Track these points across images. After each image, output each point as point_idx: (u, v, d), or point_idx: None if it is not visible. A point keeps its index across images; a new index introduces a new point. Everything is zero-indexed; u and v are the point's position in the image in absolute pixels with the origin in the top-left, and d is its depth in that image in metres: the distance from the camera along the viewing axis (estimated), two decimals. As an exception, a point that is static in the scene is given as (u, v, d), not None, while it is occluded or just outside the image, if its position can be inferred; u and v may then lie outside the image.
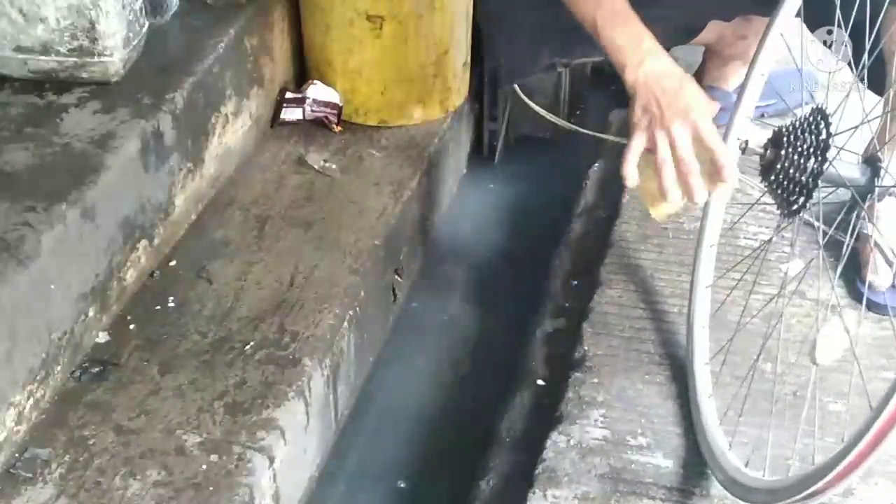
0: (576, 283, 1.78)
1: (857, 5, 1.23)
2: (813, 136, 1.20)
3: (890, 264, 1.60)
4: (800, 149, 1.20)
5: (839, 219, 1.31)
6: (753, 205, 1.61)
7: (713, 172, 1.29)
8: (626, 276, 1.70)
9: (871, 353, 1.52)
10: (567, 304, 1.73)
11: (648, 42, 1.36)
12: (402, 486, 1.68)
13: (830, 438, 1.37)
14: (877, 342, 1.55)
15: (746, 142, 1.28)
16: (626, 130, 2.05)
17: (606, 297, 1.66)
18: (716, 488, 1.33)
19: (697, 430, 1.39)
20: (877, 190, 1.25)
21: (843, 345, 1.27)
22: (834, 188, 1.22)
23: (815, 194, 1.19)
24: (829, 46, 1.43)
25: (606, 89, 2.63)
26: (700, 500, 1.32)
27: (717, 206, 1.54)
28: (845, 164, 1.21)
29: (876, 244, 1.62)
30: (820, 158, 1.18)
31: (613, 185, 1.97)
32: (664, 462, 1.37)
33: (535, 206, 2.27)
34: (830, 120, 1.19)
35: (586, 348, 1.56)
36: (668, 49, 1.38)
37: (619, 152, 2.04)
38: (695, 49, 2.04)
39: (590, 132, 2.11)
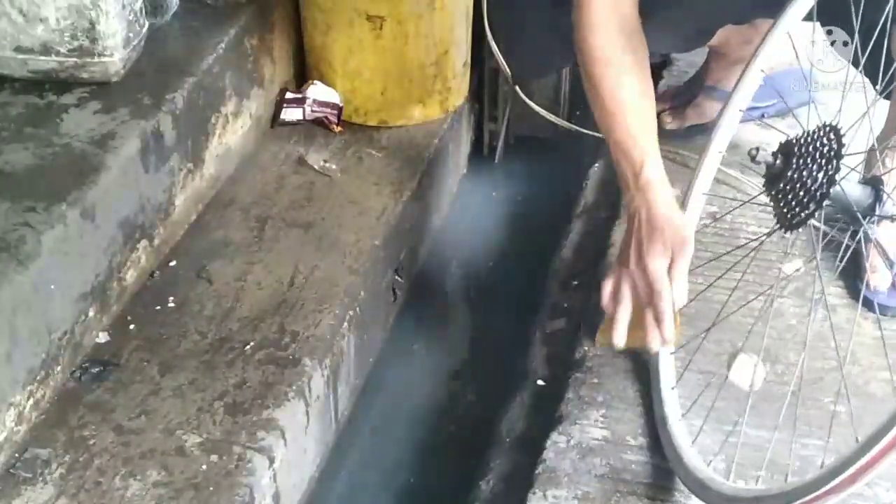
0: (576, 283, 1.78)
1: (862, 5, 1.22)
2: (824, 154, 1.17)
3: (890, 266, 1.60)
4: (809, 164, 1.17)
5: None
6: (745, 203, 1.62)
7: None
8: (626, 276, 1.70)
9: (871, 353, 1.52)
10: (567, 304, 1.73)
11: (648, 172, 1.31)
12: (402, 485, 1.68)
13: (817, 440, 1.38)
14: (877, 342, 1.54)
15: (758, 149, 1.25)
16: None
17: (606, 297, 1.66)
18: (716, 488, 1.32)
19: (658, 424, 1.39)
20: (877, 216, 1.22)
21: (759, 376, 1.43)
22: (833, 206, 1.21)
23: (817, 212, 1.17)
24: (831, 46, 1.43)
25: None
26: (700, 501, 1.32)
27: (712, 158, 1.53)
28: (851, 185, 1.19)
29: (877, 244, 1.62)
30: (829, 177, 1.16)
31: (613, 186, 1.97)
32: (664, 462, 1.37)
33: (535, 206, 2.27)
34: (844, 141, 1.16)
35: (586, 348, 1.56)
36: (682, 53, 1.36)
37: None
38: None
39: (590, 132, 2.10)
